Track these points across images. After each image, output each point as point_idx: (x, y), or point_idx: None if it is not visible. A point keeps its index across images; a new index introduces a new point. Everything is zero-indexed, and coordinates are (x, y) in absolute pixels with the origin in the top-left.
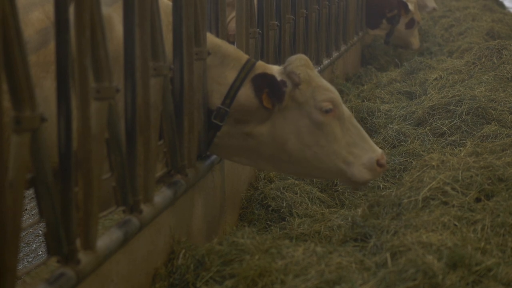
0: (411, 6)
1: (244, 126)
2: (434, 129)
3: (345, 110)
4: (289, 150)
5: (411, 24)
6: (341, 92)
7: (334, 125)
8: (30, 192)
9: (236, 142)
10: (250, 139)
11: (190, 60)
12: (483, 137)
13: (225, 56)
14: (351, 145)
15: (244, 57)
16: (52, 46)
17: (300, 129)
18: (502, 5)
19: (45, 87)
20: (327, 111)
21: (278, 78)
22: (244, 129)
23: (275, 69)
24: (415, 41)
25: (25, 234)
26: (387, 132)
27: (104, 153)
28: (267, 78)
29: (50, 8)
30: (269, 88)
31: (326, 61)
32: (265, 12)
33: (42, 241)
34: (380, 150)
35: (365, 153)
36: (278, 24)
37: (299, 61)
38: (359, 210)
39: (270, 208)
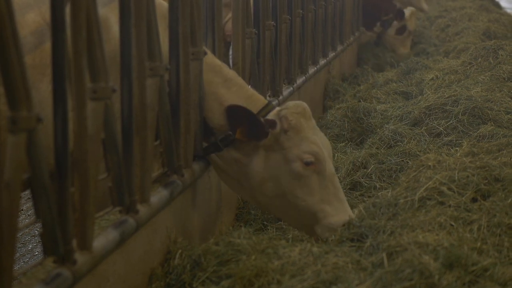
0: (407, 14)
1: (235, 152)
2: (430, 129)
3: (329, 168)
4: (265, 190)
5: (401, 31)
6: (337, 92)
7: (312, 179)
8: (26, 193)
9: (224, 163)
10: (236, 166)
11: (186, 60)
12: (480, 137)
13: (228, 79)
14: (324, 202)
15: (253, 93)
16: (48, 47)
17: (279, 173)
18: (498, 5)
19: (41, 90)
20: (307, 164)
21: (270, 117)
22: (234, 154)
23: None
24: (402, 49)
25: (21, 235)
26: (383, 132)
27: (100, 153)
28: (243, 112)
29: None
30: (247, 124)
31: (322, 61)
32: (261, 12)
33: (39, 242)
34: (351, 215)
35: (336, 214)
36: (275, 24)
37: (295, 108)
38: (356, 210)
39: None
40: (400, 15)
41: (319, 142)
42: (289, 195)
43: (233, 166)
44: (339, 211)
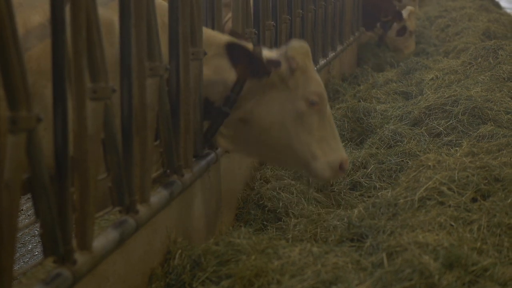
0: (405, 15)
1: (239, 111)
2: (430, 129)
3: (328, 108)
4: (273, 133)
5: (402, 31)
6: (337, 92)
7: (314, 118)
8: None
9: (232, 131)
10: (243, 125)
11: (186, 60)
12: (479, 137)
13: (220, 45)
14: (322, 141)
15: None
16: None
17: (283, 111)
18: (498, 5)
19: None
20: (312, 103)
21: (274, 57)
22: (238, 114)
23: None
24: (405, 49)
25: (21, 235)
26: (383, 132)
27: (100, 153)
28: (242, 50)
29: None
30: (248, 62)
31: (322, 61)
32: (261, 12)
33: (38, 242)
34: (346, 155)
35: (333, 152)
36: (274, 24)
37: (300, 49)
38: (355, 210)
39: (266, 209)
40: (398, 16)
41: (321, 82)
42: (292, 133)
43: (241, 127)
44: (336, 151)
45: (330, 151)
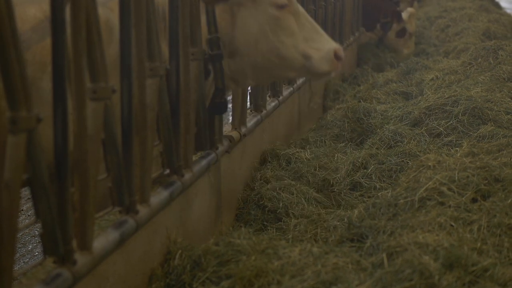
0: (405, 16)
1: (224, 50)
2: (430, 130)
3: (300, 7)
4: (256, 48)
5: (402, 33)
6: (337, 92)
7: (290, 20)
8: (26, 193)
9: (232, 67)
10: (232, 60)
11: (186, 60)
12: (480, 137)
13: None
14: (308, 40)
15: None
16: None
17: (259, 25)
18: (498, 6)
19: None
20: (282, 6)
21: None
22: (226, 53)
23: None
24: (404, 50)
25: (21, 235)
26: (383, 132)
27: (100, 154)
28: None
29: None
30: None
31: None
32: None
33: (39, 242)
34: (336, 43)
35: (323, 46)
36: None
37: None
38: (356, 211)
39: (267, 209)
40: (398, 17)
41: None
42: (276, 42)
43: (234, 63)
44: (325, 43)
45: (319, 46)
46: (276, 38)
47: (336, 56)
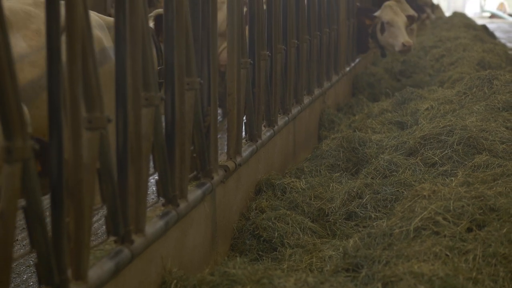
0: (377, 12)
1: None
2: (425, 159)
3: None
4: None
5: (382, 28)
6: (332, 122)
7: None
8: (21, 223)
9: None
10: None
11: (181, 90)
12: (475, 167)
13: None
14: None
15: None
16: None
17: None
18: (493, 35)
19: None
20: None
21: None
22: None
23: None
24: (395, 41)
25: (16, 265)
26: (378, 162)
27: (95, 183)
28: None
29: None
30: None
31: (317, 91)
32: (256, 42)
33: (33, 272)
34: None
35: None
36: (270, 54)
37: None
38: (351, 240)
39: (262, 239)
40: (369, 16)
41: None
42: None
43: None
44: None
45: None
46: None
47: None
